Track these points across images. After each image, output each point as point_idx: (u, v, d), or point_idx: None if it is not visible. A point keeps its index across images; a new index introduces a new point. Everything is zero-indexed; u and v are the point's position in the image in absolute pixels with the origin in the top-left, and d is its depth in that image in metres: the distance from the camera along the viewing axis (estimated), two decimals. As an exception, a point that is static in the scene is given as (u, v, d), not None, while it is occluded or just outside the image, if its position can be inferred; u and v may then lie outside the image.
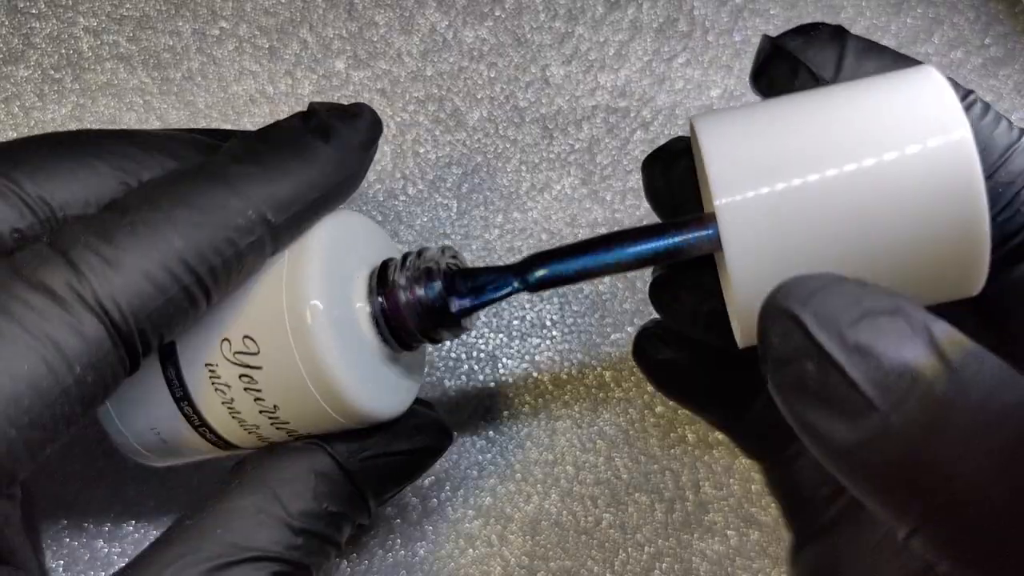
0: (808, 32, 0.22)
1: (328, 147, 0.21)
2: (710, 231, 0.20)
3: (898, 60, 0.21)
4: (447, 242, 0.32)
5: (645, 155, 0.25)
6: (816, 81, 0.21)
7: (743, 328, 0.19)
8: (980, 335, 0.16)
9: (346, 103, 0.23)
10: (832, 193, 0.18)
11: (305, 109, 0.22)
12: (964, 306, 0.19)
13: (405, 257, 0.23)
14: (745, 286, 0.18)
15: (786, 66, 0.21)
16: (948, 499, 0.14)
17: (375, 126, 0.23)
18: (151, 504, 0.30)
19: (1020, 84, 0.34)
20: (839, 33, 0.21)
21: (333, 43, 0.33)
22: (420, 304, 0.22)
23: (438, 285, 0.22)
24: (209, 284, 0.19)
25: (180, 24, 0.33)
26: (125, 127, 0.32)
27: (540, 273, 0.21)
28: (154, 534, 0.29)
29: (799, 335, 0.16)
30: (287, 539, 0.21)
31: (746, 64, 0.33)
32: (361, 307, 0.22)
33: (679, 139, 0.24)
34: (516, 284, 0.22)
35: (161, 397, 0.22)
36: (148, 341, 0.18)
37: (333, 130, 0.22)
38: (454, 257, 0.23)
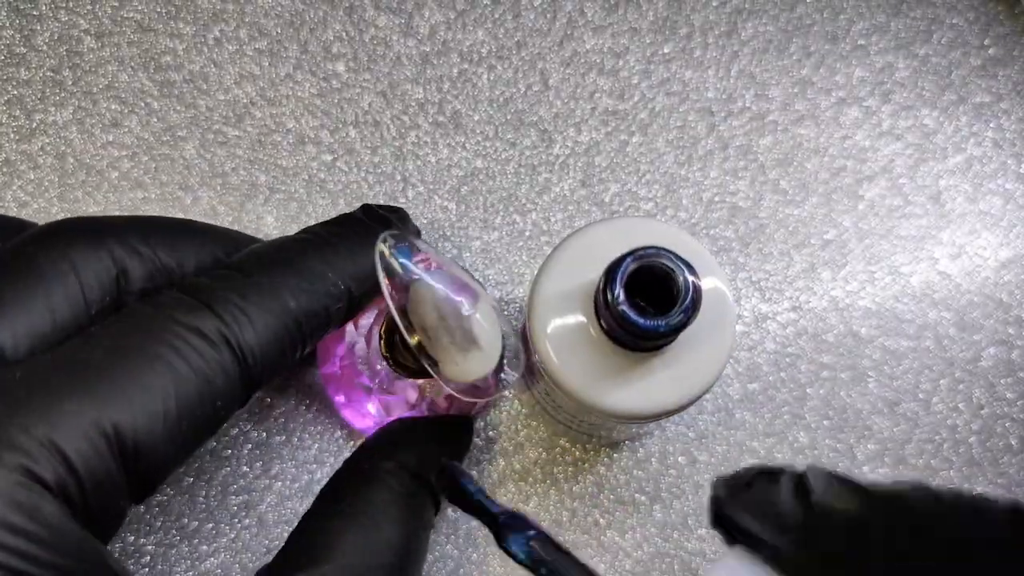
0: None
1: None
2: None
3: None
4: (447, 243, 0.32)
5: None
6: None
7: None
8: None
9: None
10: None
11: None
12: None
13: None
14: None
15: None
16: None
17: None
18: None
19: (1019, 85, 0.34)
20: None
21: (333, 46, 0.33)
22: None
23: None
24: (308, 340, 0.23)
25: (181, 27, 0.33)
26: (128, 130, 0.32)
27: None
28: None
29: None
30: None
31: (744, 65, 0.33)
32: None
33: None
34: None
35: None
36: (260, 383, 0.21)
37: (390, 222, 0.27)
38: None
